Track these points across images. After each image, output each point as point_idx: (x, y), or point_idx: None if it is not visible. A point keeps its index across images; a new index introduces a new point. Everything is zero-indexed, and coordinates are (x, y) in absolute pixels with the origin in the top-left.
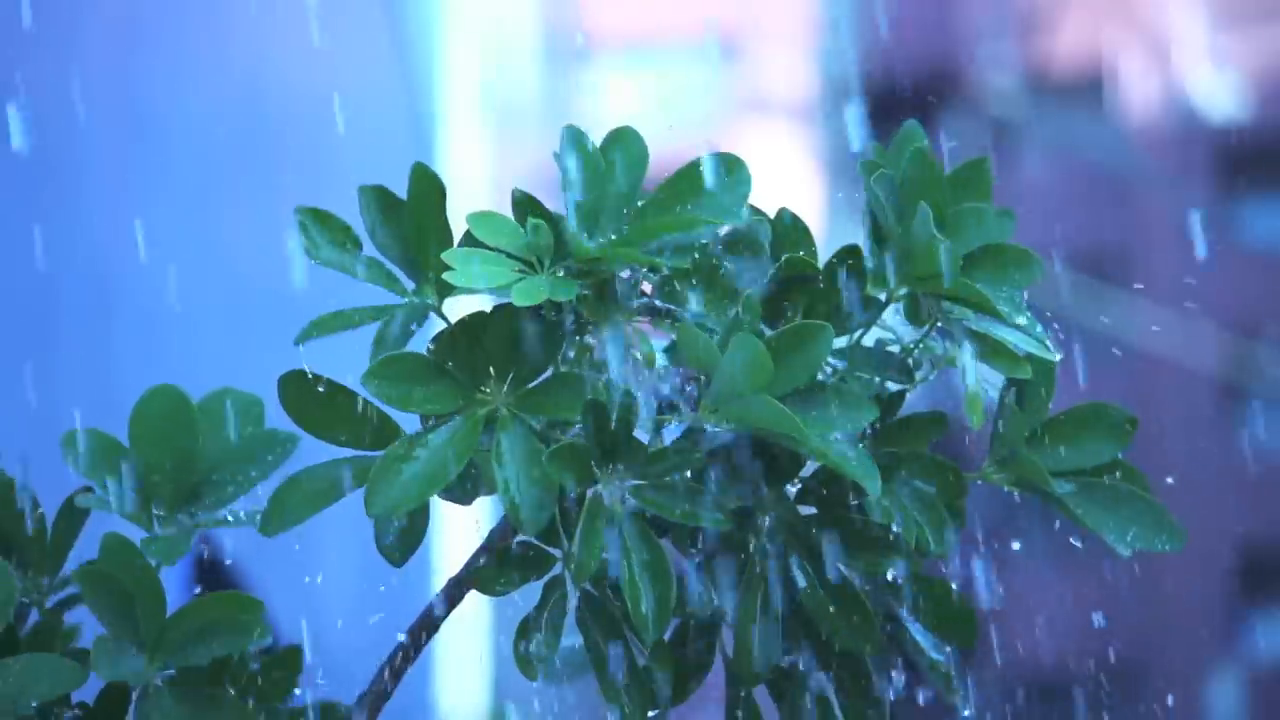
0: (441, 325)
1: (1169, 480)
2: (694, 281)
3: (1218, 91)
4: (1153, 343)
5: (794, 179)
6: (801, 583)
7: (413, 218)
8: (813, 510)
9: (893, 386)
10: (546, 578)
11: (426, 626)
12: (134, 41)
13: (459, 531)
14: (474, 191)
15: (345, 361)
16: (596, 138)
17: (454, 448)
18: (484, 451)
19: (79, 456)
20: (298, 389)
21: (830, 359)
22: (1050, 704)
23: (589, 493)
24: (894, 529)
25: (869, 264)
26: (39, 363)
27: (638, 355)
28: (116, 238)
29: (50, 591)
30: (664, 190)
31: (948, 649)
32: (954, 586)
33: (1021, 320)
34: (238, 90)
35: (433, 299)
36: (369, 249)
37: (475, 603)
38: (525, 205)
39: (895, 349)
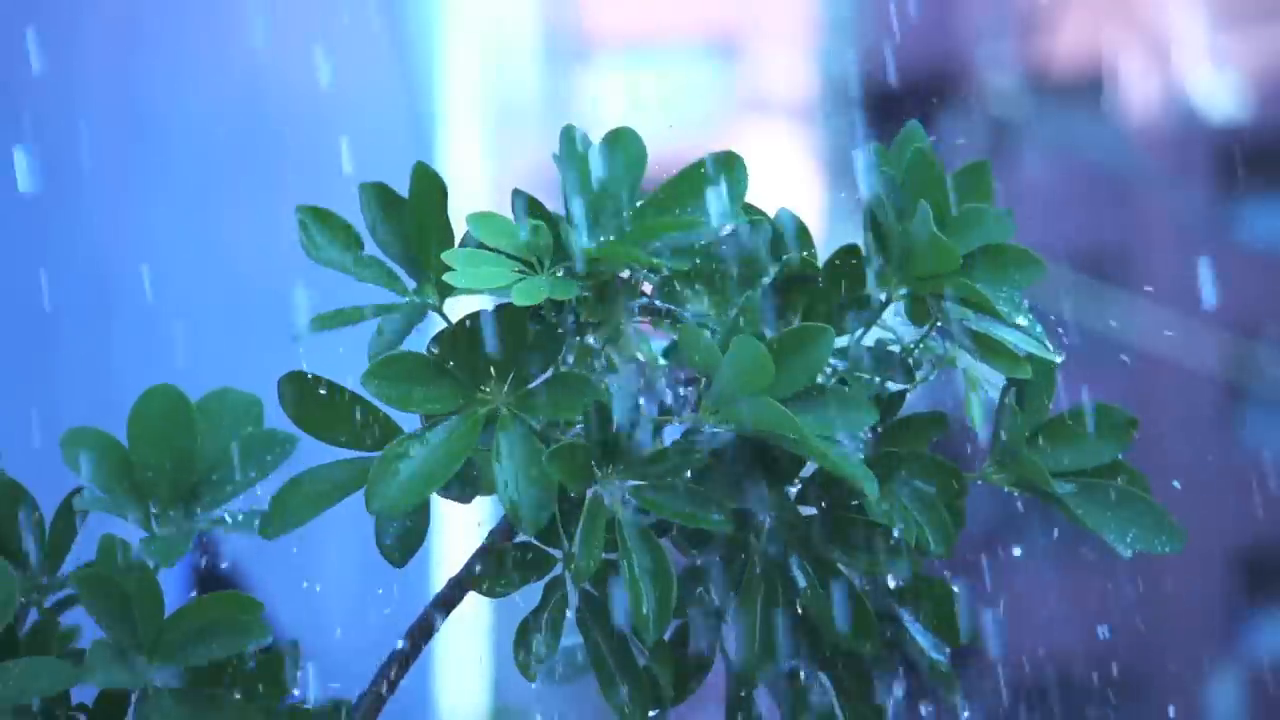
0: (442, 325)
1: (1175, 485)
2: (694, 282)
3: (1218, 91)
4: (1152, 343)
5: (794, 179)
6: (801, 583)
7: (414, 217)
8: (813, 511)
9: (893, 386)
10: (546, 578)
11: (425, 628)
12: (134, 41)
13: (459, 531)
14: (474, 191)
15: (345, 362)
16: (596, 138)
17: (453, 446)
18: (484, 451)
19: (78, 456)
20: (297, 390)
21: (831, 359)
22: (1050, 704)
23: (589, 493)
24: (895, 534)
25: (869, 264)
26: (39, 363)
27: (639, 356)
28: (116, 238)
29: (49, 592)
30: (664, 191)
31: (948, 649)
32: (954, 588)
33: (1021, 320)
34: (238, 90)
35: (433, 299)
36: (370, 247)
37: (475, 603)
38: (525, 205)
39: (895, 349)
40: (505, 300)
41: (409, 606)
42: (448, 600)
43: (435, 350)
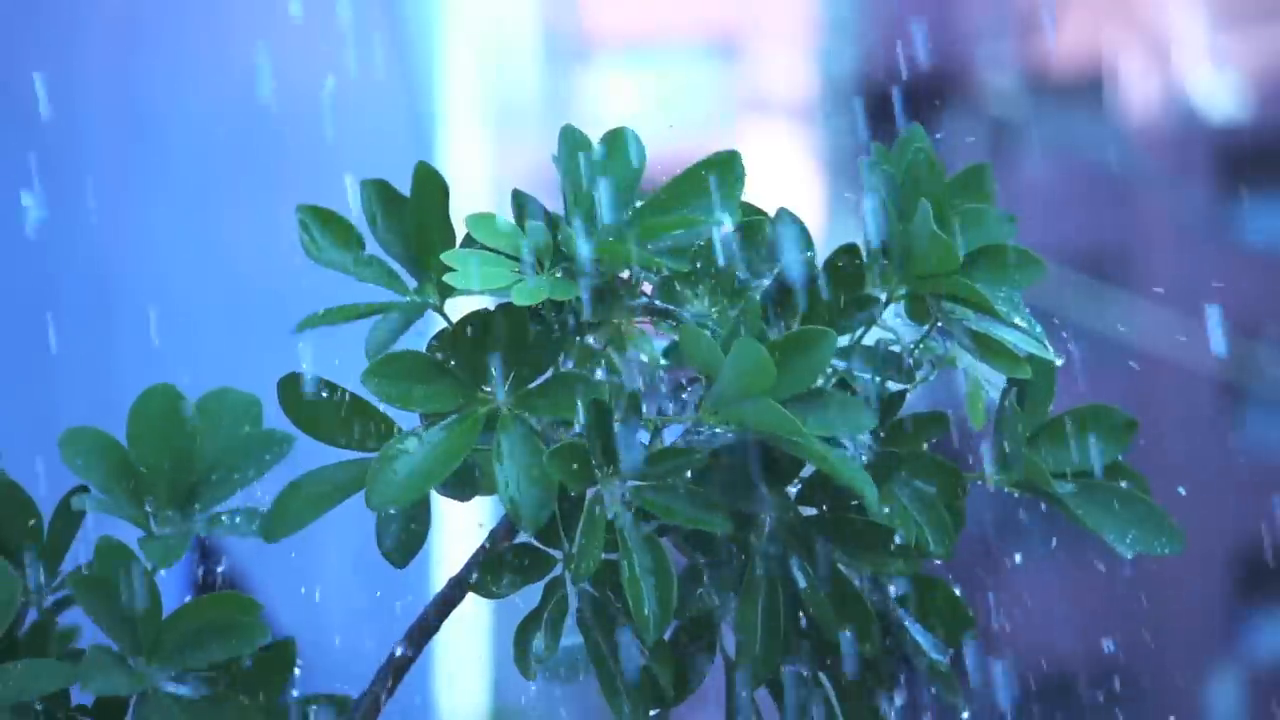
0: (442, 324)
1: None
2: (694, 282)
3: (1218, 91)
4: (1152, 343)
5: (794, 179)
6: (802, 583)
7: (415, 216)
8: (813, 511)
9: (893, 386)
10: (546, 579)
11: (425, 628)
12: (134, 41)
13: (459, 532)
14: (474, 191)
15: (344, 363)
16: (596, 138)
17: (452, 444)
18: (484, 450)
19: (76, 456)
20: (297, 391)
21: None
22: (1050, 704)
23: (589, 493)
24: (897, 538)
25: (869, 263)
26: (39, 363)
27: (641, 357)
28: (116, 237)
29: (48, 592)
30: (664, 191)
31: (948, 649)
32: (954, 589)
33: (1020, 320)
34: (238, 90)
35: (434, 298)
36: (370, 245)
37: (475, 603)
38: (525, 206)
39: (895, 349)
40: (505, 300)
41: (409, 607)
42: (448, 600)
43: (436, 349)
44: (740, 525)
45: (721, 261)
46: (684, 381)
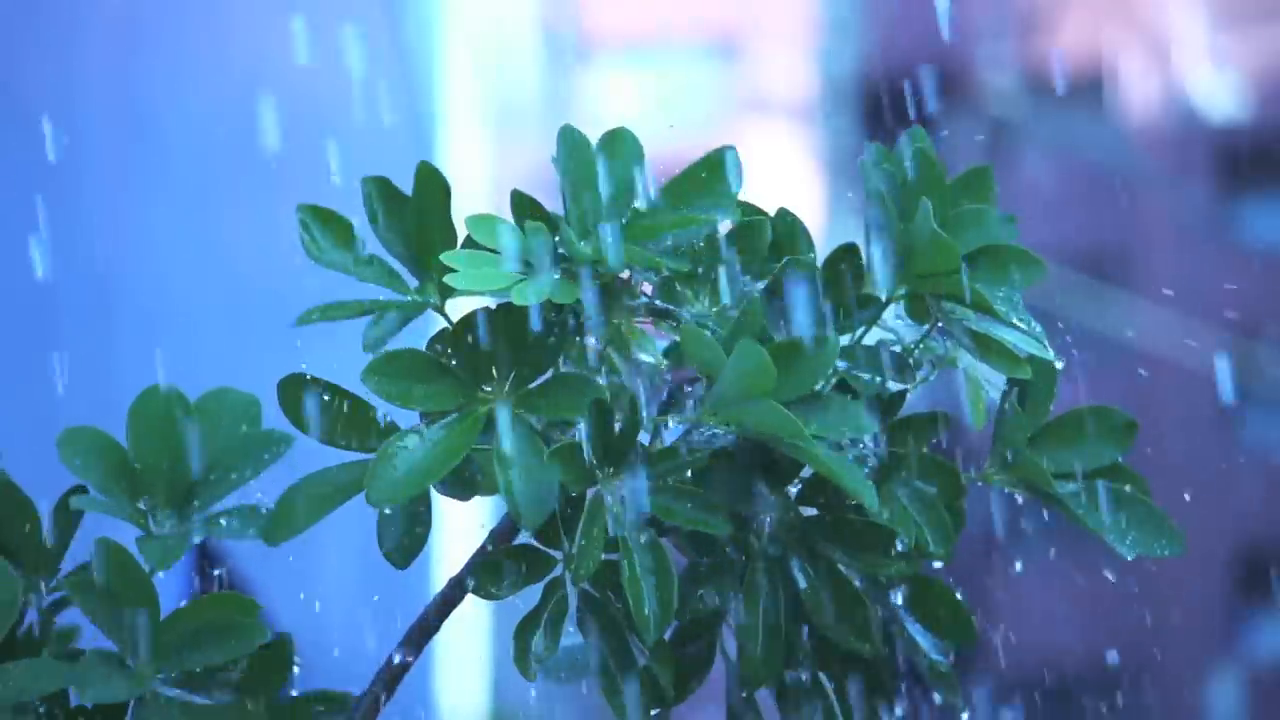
0: (443, 325)
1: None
2: (694, 282)
3: (1218, 91)
4: (1152, 343)
5: (794, 179)
6: (802, 584)
7: (417, 217)
8: (813, 511)
9: (893, 386)
10: (546, 579)
11: (425, 629)
12: (134, 41)
13: (459, 532)
14: (474, 191)
15: (344, 364)
16: (595, 138)
17: (452, 441)
18: (484, 450)
19: (75, 455)
20: (297, 392)
21: None
22: (1050, 704)
23: (589, 493)
24: (898, 542)
25: (869, 263)
26: (39, 363)
27: (645, 357)
28: (116, 238)
29: (47, 592)
30: (665, 192)
31: (949, 650)
32: (955, 591)
33: (1019, 320)
34: (238, 90)
35: (435, 298)
36: (371, 243)
37: (475, 603)
38: (524, 207)
39: (895, 349)
40: (507, 300)
41: (409, 608)
42: (448, 600)
43: (436, 348)
44: (741, 525)
45: (721, 261)
46: (684, 381)
